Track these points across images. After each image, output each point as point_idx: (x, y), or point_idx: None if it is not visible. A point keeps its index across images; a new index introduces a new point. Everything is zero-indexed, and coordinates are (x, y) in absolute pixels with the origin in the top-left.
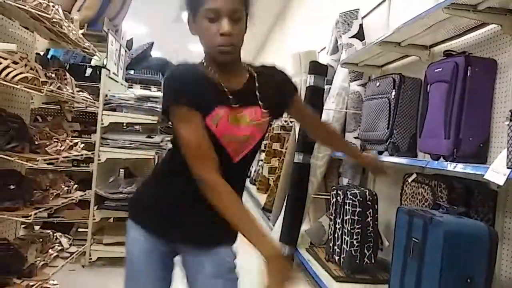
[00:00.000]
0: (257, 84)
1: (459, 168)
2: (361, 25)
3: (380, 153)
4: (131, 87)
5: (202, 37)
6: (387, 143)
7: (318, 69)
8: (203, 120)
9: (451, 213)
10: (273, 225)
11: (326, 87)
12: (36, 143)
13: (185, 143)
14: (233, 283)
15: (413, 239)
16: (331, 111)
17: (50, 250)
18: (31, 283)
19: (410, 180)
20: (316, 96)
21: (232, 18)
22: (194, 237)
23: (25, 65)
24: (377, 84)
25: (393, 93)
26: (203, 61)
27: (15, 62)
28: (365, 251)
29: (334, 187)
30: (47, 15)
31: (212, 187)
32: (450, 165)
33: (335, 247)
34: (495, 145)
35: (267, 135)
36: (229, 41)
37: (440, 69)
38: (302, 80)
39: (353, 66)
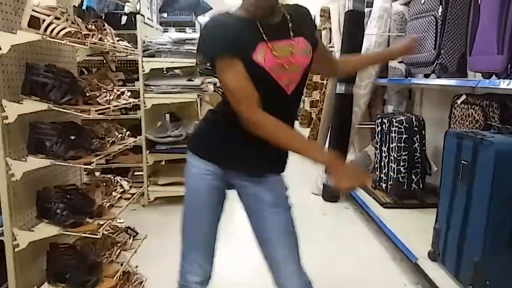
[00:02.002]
0: (290, 20)
1: None
2: None
3: (427, 76)
4: (166, 31)
5: None
6: (434, 64)
7: None
8: (251, 58)
9: (503, 133)
10: None
11: (366, 9)
12: (87, 95)
13: (230, 89)
14: (290, 211)
15: (462, 161)
16: (372, 35)
17: (113, 193)
18: (101, 222)
19: (459, 101)
20: (356, 20)
21: None
22: (256, 167)
23: (66, 20)
24: (422, 1)
25: (440, 9)
26: (241, 6)
27: (57, 18)
28: (413, 177)
29: (379, 116)
30: None
31: (254, 123)
32: (503, 83)
33: (382, 175)
34: None
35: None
36: (261, 2)
37: None
38: (340, 5)
39: None
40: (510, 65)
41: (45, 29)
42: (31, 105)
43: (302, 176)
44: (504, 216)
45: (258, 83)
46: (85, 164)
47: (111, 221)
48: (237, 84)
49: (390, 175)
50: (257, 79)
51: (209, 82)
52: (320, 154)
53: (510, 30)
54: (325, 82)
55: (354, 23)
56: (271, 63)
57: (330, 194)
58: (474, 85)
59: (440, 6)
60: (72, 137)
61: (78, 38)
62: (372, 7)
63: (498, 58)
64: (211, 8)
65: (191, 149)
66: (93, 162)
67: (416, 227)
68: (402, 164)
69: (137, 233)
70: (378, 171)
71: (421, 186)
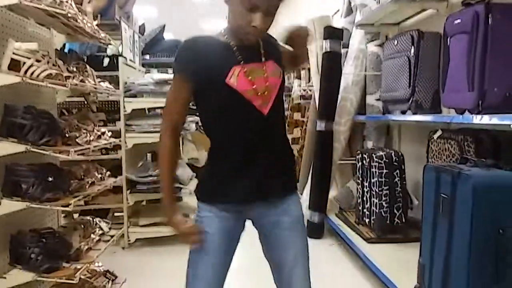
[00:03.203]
0: (262, 45)
1: (485, 120)
2: None
3: (403, 112)
4: (149, 72)
5: (234, 17)
6: (410, 101)
7: (333, 34)
8: (224, 81)
9: (479, 166)
10: (301, 194)
11: (342, 50)
12: (67, 135)
13: (165, 103)
14: (304, 231)
15: (442, 195)
16: (350, 75)
17: (92, 235)
18: (78, 266)
19: (435, 136)
20: (334, 61)
21: (267, 14)
22: (264, 192)
23: (48, 62)
24: (395, 42)
25: (412, 50)
26: (222, 30)
27: (38, 60)
28: (395, 211)
29: (359, 151)
30: (62, 11)
31: (159, 142)
32: (475, 118)
33: (365, 210)
34: None
35: (286, 106)
36: (258, 32)
37: (460, 20)
38: (317, 46)
39: (369, 27)
40: (481, 101)
41: (25, 72)
42: (8, 147)
43: None
44: (486, 250)
45: (232, 105)
46: (62, 206)
47: (88, 265)
48: (171, 101)
49: (373, 210)
50: (231, 101)
51: (191, 121)
52: (167, 207)
53: (479, 68)
54: (305, 119)
55: (332, 64)
56: (244, 85)
57: (314, 231)
58: (448, 121)
59: (412, 47)
60: (50, 179)
61: (59, 80)
62: (348, 48)
63: (469, 95)
64: None
65: (199, 198)
66: (70, 204)
67: (401, 262)
68: (384, 198)
69: (116, 277)
70: (361, 206)
71: (403, 220)
